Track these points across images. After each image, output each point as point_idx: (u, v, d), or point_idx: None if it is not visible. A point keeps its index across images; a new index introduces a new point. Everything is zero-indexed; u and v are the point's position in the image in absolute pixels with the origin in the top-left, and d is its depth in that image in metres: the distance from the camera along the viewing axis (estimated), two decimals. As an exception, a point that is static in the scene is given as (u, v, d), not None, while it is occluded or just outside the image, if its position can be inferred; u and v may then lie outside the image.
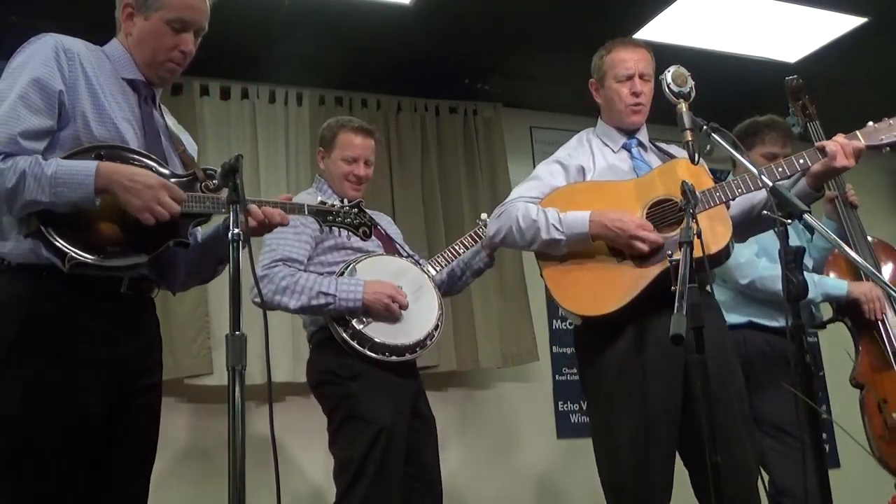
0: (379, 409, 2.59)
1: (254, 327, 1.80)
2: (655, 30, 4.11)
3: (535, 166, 2.71)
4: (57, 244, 1.72)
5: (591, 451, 2.43)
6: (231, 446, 1.64)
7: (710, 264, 2.27)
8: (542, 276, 2.50)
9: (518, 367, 4.58)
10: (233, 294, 1.74)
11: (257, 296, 2.45)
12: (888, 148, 2.26)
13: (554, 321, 4.82)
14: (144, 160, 1.87)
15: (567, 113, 5.09)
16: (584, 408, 4.63)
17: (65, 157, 1.76)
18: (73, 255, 1.72)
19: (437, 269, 2.91)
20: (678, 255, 1.90)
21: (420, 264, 2.90)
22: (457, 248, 2.96)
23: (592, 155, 2.58)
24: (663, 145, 2.62)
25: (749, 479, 2.24)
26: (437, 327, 2.77)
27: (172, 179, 1.87)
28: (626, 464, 2.30)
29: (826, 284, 2.99)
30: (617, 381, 2.34)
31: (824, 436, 4.16)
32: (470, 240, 2.99)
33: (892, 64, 4.49)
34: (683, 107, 2.17)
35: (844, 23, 4.18)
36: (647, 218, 2.39)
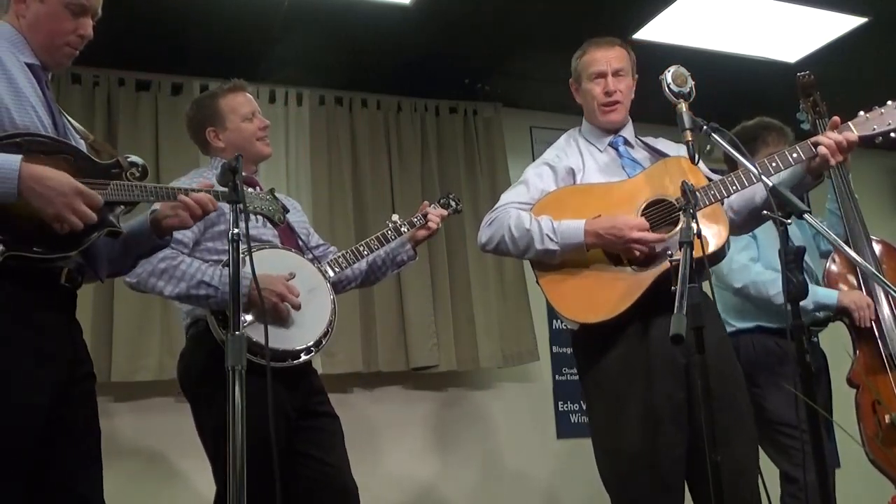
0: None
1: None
2: (655, 30, 4.11)
3: (534, 166, 2.68)
4: None
5: (591, 452, 2.42)
6: (231, 446, 1.65)
7: (709, 262, 2.26)
8: (538, 283, 2.48)
9: (518, 367, 4.58)
10: (233, 294, 1.75)
11: (131, 275, 2.35)
12: (881, 138, 2.23)
13: (554, 321, 4.81)
14: (66, 145, 1.77)
15: (567, 113, 5.02)
16: (584, 409, 4.63)
17: None
18: (3, 246, 1.63)
19: (336, 269, 2.68)
20: (678, 255, 1.89)
21: (319, 260, 2.69)
22: (360, 249, 2.74)
23: (581, 155, 2.57)
24: (650, 140, 2.60)
25: (750, 477, 2.23)
26: (326, 333, 2.53)
27: (99, 172, 1.78)
28: (634, 464, 2.28)
29: (818, 293, 3.00)
30: (620, 380, 2.33)
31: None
32: (376, 242, 2.77)
33: (892, 64, 4.49)
34: (683, 107, 2.17)
35: (844, 23, 4.18)
36: None
